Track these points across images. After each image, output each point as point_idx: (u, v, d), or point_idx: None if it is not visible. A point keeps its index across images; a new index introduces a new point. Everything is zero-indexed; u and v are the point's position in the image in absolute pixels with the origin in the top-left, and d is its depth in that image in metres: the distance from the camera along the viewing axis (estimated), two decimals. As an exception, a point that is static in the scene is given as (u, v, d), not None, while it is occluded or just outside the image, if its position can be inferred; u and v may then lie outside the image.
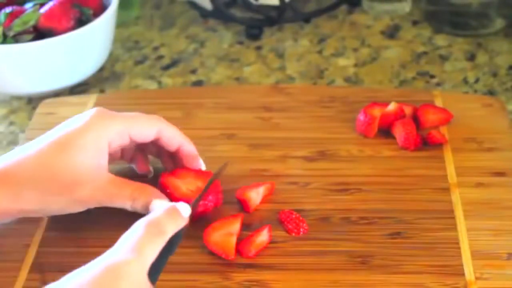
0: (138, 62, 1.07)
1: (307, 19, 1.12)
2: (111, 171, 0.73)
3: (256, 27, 1.10)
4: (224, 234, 0.71)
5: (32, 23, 0.94)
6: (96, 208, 0.73)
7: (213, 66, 1.05)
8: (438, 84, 0.99)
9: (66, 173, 0.70)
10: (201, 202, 0.73)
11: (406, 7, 1.14)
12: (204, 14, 1.14)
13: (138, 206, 0.71)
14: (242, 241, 0.71)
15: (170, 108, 0.90)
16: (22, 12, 0.95)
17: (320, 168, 0.81)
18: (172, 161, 0.78)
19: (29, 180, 0.70)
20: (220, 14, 1.12)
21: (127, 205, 0.71)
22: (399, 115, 0.85)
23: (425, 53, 1.05)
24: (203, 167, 0.77)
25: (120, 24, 1.10)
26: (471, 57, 1.04)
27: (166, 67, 1.05)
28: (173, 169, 0.77)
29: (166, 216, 0.64)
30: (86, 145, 0.71)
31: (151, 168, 0.80)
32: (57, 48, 0.94)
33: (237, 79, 1.02)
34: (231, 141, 0.85)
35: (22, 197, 0.70)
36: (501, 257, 0.70)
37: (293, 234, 0.73)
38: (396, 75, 1.01)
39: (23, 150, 0.71)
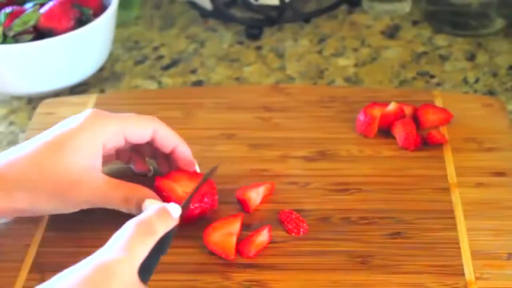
0: (138, 62, 1.07)
1: (307, 19, 1.12)
2: (108, 171, 0.73)
3: (256, 27, 1.10)
4: (224, 234, 0.71)
5: (32, 23, 0.94)
6: (96, 208, 0.73)
7: (213, 66, 1.05)
8: (438, 84, 0.99)
9: (59, 173, 0.70)
10: (197, 204, 0.73)
11: (406, 7, 1.14)
12: (204, 14, 1.14)
13: (131, 207, 0.71)
14: (242, 241, 0.71)
15: (170, 108, 0.90)
16: (22, 12, 0.95)
17: (320, 168, 0.81)
18: (167, 163, 0.78)
19: (21, 180, 0.70)
20: (220, 14, 1.12)
21: (120, 206, 0.71)
22: (399, 115, 0.85)
23: (425, 53, 1.05)
24: (197, 169, 0.77)
25: (120, 24, 1.10)
26: (471, 57, 1.04)
27: (166, 67, 1.05)
28: (168, 171, 0.76)
29: (156, 216, 0.64)
30: (79, 146, 0.71)
31: (150, 167, 0.80)
32: (57, 48, 0.94)
33: (237, 79, 1.02)
34: (231, 141, 0.85)
35: (14, 196, 0.70)
36: (501, 257, 0.70)
37: (293, 234, 0.73)
38: (396, 75, 1.01)
39: (17, 150, 0.71)
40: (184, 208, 0.70)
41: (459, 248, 0.71)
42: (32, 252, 0.73)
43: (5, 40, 0.93)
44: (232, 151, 0.84)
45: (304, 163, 0.82)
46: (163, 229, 0.64)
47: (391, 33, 1.10)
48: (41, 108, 0.92)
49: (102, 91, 1.01)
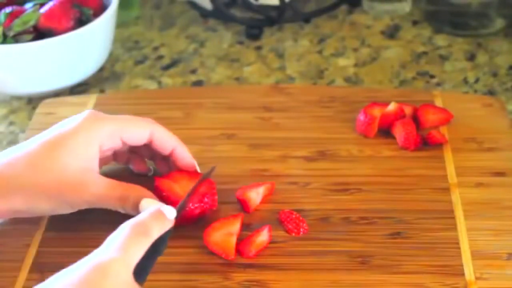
0: (138, 62, 1.07)
1: (307, 19, 1.12)
2: (107, 171, 0.73)
3: (256, 27, 1.10)
4: (224, 234, 0.71)
5: (32, 23, 0.94)
6: (96, 208, 0.73)
7: (213, 66, 1.05)
8: (438, 84, 0.99)
9: (55, 174, 0.70)
10: (197, 205, 0.73)
11: (406, 7, 1.14)
12: (204, 14, 1.14)
13: (128, 207, 0.71)
14: (242, 241, 0.71)
15: (170, 108, 0.90)
16: (22, 12, 0.95)
17: (320, 168, 0.81)
18: (166, 164, 0.78)
19: (18, 181, 0.70)
20: (220, 14, 1.12)
21: (117, 206, 0.71)
22: (399, 115, 0.85)
23: (425, 53, 1.05)
24: (198, 169, 0.77)
25: (120, 24, 1.10)
26: (471, 57, 1.04)
27: (166, 67, 1.05)
28: (168, 172, 0.76)
29: (151, 218, 0.64)
30: (76, 147, 0.71)
31: (150, 167, 0.80)
32: (57, 48, 0.94)
33: (237, 79, 1.02)
34: (231, 141, 0.85)
35: (11, 198, 0.70)
36: (501, 257, 0.70)
37: (293, 234, 0.73)
38: (396, 75, 1.01)
39: (14, 150, 0.71)
40: (182, 208, 0.70)
41: (459, 248, 0.71)
42: (32, 252, 0.73)
43: (5, 40, 0.93)
44: (232, 151, 0.84)
45: (304, 163, 0.82)
46: (158, 230, 0.64)
47: (391, 33, 1.10)
48: (41, 108, 0.92)
49: (102, 91, 1.01)
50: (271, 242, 0.72)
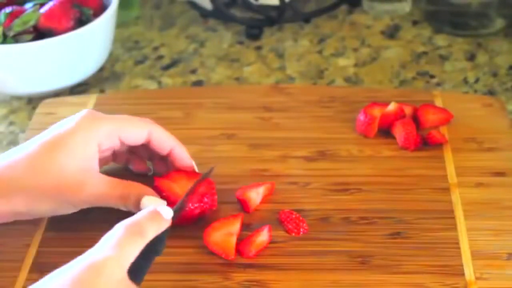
0: (138, 62, 1.07)
1: (307, 19, 1.12)
2: (106, 170, 0.73)
3: (256, 27, 1.10)
4: (224, 234, 0.71)
5: (32, 23, 0.94)
6: (96, 208, 0.73)
7: (213, 66, 1.05)
8: (438, 84, 0.99)
9: (55, 175, 0.70)
10: (196, 205, 0.73)
11: (406, 7, 1.14)
12: (204, 14, 1.14)
13: (129, 205, 0.71)
14: (242, 241, 0.71)
15: (170, 108, 0.90)
16: (22, 12, 0.95)
17: (320, 168, 0.81)
18: (164, 164, 0.78)
19: (19, 183, 0.70)
20: (220, 14, 1.12)
21: (119, 204, 0.71)
22: (399, 115, 0.85)
23: (425, 53, 1.05)
24: (196, 169, 0.77)
25: (120, 24, 1.10)
26: (471, 57, 1.04)
27: (166, 67, 1.05)
28: (166, 172, 0.76)
29: (147, 218, 0.64)
30: (75, 147, 0.71)
31: (150, 167, 0.80)
32: (57, 48, 0.94)
33: (237, 79, 1.02)
34: (231, 141, 0.85)
35: (11, 199, 0.70)
36: (501, 257, 0.70)
37: (293, 234, 0.73)
38: (396, 75, 1.01)
39: (13, 152, 0.72)
40: (180, 208, 0.70)
41: (459, 248, 0.71)
42: (32, 252, 0.73)
43: (5, 40, 0.93)
44: (232, 151, 0.84)
45: (304, 163, 0.82)
46: (154, 230, 0.64)
47: (391, 33, 1.10)
48: (41, 108, 0.92)
49: (102, 91, 1.01)
50: (271, 242, 0.72)
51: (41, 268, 0.71)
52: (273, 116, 0.89)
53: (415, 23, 1.12)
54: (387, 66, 1.03)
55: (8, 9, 0.96)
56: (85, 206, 0.72)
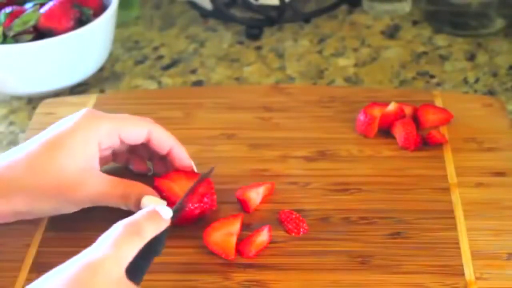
0: (138, 62, 1.07)
1: (307, 19, 1.12)
2: (107, 170, 0.73)
3: (256, 27, 1.10)
4: (224, 234, 0.71)
5: (32, 23, 0.94)
6: (96, 208, 0.73)
7: (213, 66, 1.05)
8: (438, 84, 0.99)
9: (56, 174, 0.70)
10: (196, 205, 0.73)
11: (406, 7, 1.14)
12: (204, 14, 1.14)
13: (130, 204, 0.71)
14: (242, 241, 0.71)
15: (170, 108, 0.90)
16: (22, 12, 0.95)
17: (320, 168, 0.81)
18: (164, 164, 0.78)
19: (20, 183, 0.70)
20: (220, 14, 1.12)
21: (120, 203, 0.71)
22: (399, 115, 0.85)
23: (425, 53, 1.05)
24: (195, 169, 0.77)
25: (120, 24, 1.10)
26: (471, 57, 1.04)
27: (166, 67, 1.05)
28: (165, 172, 0.76)
29: (145, 218, 0.64)
30: (74, 146, 0.71)
31: (149, 167, 0.80)
32: (57, 48, 0.94)
33: (237, 79, 1.02)
34: (231, 141, 0.85)
35: (14, 200, 0.70)
36: (501, 257, 0.70)
37: (293, 234, 0.73)
38: (396, 75, 1.01)
39: (13, 152, 0.72)
40: (179, 208, 0.70)
41: (459, 248, 0.71)
42: (32, 252, 0.73)
43: (5, 40, 0.93)
44: (232, 151, 0.84)
45: (304, 163, 0.82)
46: (152, 230, 0.64)
47: (391, 33, 1.10)
48: (41, 108, 0.92)
49: (102, 91, 1.01)
50: (271, 242, 0.72)
51: (41, 268, 0.71)
52: (273, 116, 0.89)
53: (415, 23, 1.12)
54: (387, 66, 1.03)
55: (8, 9, 0.96)
56: (86, 205, 0.72)
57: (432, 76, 1.01)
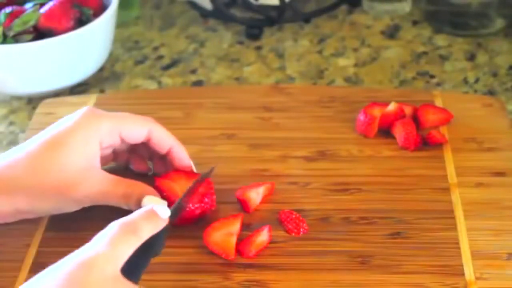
0: (138, 62, 1.07)
1: (307, 19, 1.12)
2: (107, 169, 0.73)
3: (256, 27, 1.10)
4: (224, 234, 0.71)
5: (32, 23, 0.94)
6: (96, 208, 0.73)
7: (213, 66, 1.05)
8: (438, 84, 0.99)
9: (57, 173, 0.70)
10: (197, 205, 0.73)
11: (406, 7, 1.14)
12: (204, 14, 1.14)
13: (131, 203, 0.71)
14: (242, 241, 0.71)
15: (170, 108, 0.90)
16: (22, 12, 0.95)
17: (320, 168, 0.81)
18: (163, 163, 0.78)
19: (21, 182, 0.70)
20: (220, 14, 1.12)
21: (120, 202, 0.71)
22: (399, 115, 0.85)
23: (425, 53, 1.05)
24: (194, 169, 0.77)
25: (120, 24, 1.10)
26: (471, 57, 1.04)
27: (166, 67, 1.05)
28: (164, 172, 0.76)
29: (142, 217, 0.64)
30: (76, 144, 0.71)
31: (150, 167, 0.80)
32: (57, 48, 0.94)
33: (237, 79, 1.02)
34: (231, 141, 0.85)
35: (13, 198, 0.70)
36: (501, 257, 0.70)
37: (293, 234, 0.73)
38: (396, 75, 1.01)
39: (15, 151, 0.72)
40: (178, 208, 0.70)
41: (459, 248, 0.71)
42: (32, 252, 0.73)
43: (5, 40, 0.93)
44: (232, 151, 0.84)
45: (304, 163, 0.82)
46: (149, 230, 0.64)
47: (391, 33, 1.10)
48: (41, 108, 0.92)
49: (102, 91, 1.01)
50: (271, 242, 0.72)
51: (41, 268, 0.70)
52: (273, 116, 0.89)
53: (415, 23, 1.12)
54: (387, 66, 1.03)
55: (8, 9, 0.96)
56: (86, 204, 0.72)
57: (432, 76, 1.01)
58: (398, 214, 0.75)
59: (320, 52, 1.07)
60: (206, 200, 0.74)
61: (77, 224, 0.74)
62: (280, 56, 1.06)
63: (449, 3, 1.08)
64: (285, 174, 0.80)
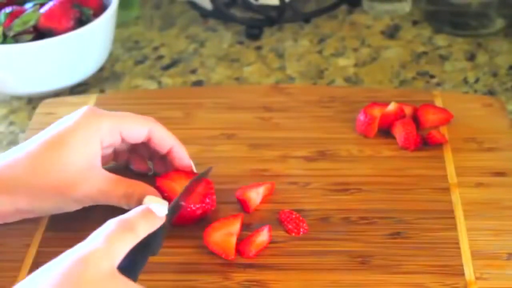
0: (138, 62, 1.07)
1: (307, 19, 1.12)
2: (108, 169, 0.73)
3: (256, 27, 1.10)
4: (224, 234, 0.71)
5: (32, 23, 0.94)
6: (96, 208, 0.73)
7: (213, 66, 1.05)
8: (438, 84, 0.99)
9: (58, 172, 0.70)
10: (198, 205, 0.73)
11: (406, 7, 1.14)
12: (204, 14, 1.14)
13: (132, 203, 0.71)
14: (242, 241, 0.71)
15: (170, 108, 0.90)
16: (22, 12, 0.95)
17: (320, 168, 0.81)
18: (164, 163, 0.78)
19: (22, 182, 0.70)
20: (220, 14, 1.12)
21: (121, 202, 0.71)
22: (399, 115, 0.85)
23: (425, 53, 1.05)
24: (194, 169, 0.77)
25: (120, 24, 1.10)
26: (471, 57, 1.04)
27: (166, 67, 1.05)
28: (164, 172, 0.76)
29: (138, 216, 0.64)
30: (76, 145, 0.71)
31: (150, 167, 0.80)
32: (57, 48, 0.94)
33: (237, 79, 1.02)
34: (231, 141, 0.85)
35: (14, 198, 0.70)
36: (501, 257, 0.70)
37: (293, 234, 0.73)
38: (396, 75, 1.01)
39: (15, 151, 0.72)
40: (175, 207, 0.70)
41: (459, 248, 0.71)
42: (32, 252, 0.73)
43: (5, 40, 0.93)
44: (232, 151, 0.84)
45: (304, 163, 0.82)
46: (146, 228, 0.64)
47: (391, 33, 1.10)
48: (41, 108, 0.92)
49: (102, 91, 1.01)
50: (271, 242, 0.72)
51: (41, 268, 0.71)
52: (273, 116, 0.89)
53: (415, 23, 1.12)
54: (387, 66, 1.03)
55: (8, 9, 0.96)
56: (87, 204, 0.72)
57: (432, 76, 1.01)
58: (398, 214, 0.75)
59: (320, 52, 1.07)
60: (207, 200, 0.74)
61: (77, 224, 0.74)
62: (280, 56, 1.06)
63: (449, 3, 1.08)
64: (285, 174, 0.80)
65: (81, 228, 0.74)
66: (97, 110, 0.73)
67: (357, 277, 0.69)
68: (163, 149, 0.76)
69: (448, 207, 0.76)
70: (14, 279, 0.70)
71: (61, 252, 0.72)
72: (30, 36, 0.94)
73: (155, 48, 1.09)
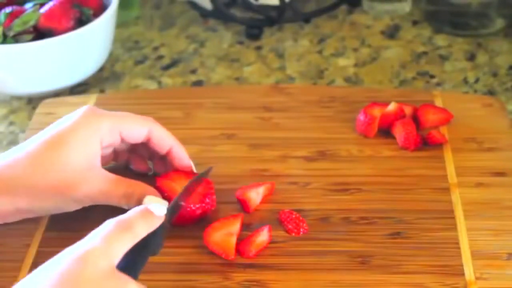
0: (138, 62, 1.07)
1: (307, 19, 1.12)
2: (108, 169, 0.73)
3: (256, 27, 1.10)
4: (224, 234, 0.71)
5: (32, 23, 0.94)
6: (96, 208, 0.73)
7: (213, 66, 1.05)
8: (438, 84, 0.99)
9: (58, 173, 0.70)
10: (198, 205, 0.73)
11: (406, 7, 1.14)
12: (204, 14, 1.14)
13: (132, 203, 0.71)
14: (242, 241, 0.71)
15: (170, 108, 0.90)
16: (22, 12, 0.95)
17: (320, 168, 0.81)
18: (163, 164, 0.78)
19: (22, 181, 0.70)
20: (220, 14, 1.12)
21: (121, 202, 0.71)
22: (399, 115, 0.85)
23: (425, 53, 1.05)
24: (194, 170, 0.77)
25: (120, 24, 1.10)
26: (471, 57, 1.04)
27: (166, 67, 1.05)
28: (164, 172, 0.76)
29: (137, 216, 0.64)
30: (76, 144, 0.71)
31: (150, 167, 0.80)
32: (57, 48, 0.94)
33: (237, 79, 1.02)
34: (231, 141, 0.85)
35: (15, 198, 0.70)
36: (501, 257, 0.70)
37: (293, 234, 0.73)
38: (396, 75, 1.01)
39: (15, 151, 0.72)
40: (175, 207, 0.70)
41: (459, 248, 0.71)
42: (32, 252, 0.73)
43: (5, 40, 0.93)
44: (232, 151, 0.84)
45: (304, 163, 0.82)
46: (144, 228, 0.64)
47: (391, 33, 1.10)
48: (41, 108, 0.92)
49: (102, 91, 1.01)
50: (271, 242, 0.72)
51: (41, 268, 0.71)
52: (273, 116, 0.89)
53: (415, 23, 1.12)
54: (387, 66, 1.03)
55: (8, 9, 0.96)
56: (87, 204, 0.72)
57: (432, 76, 1.01)
58: (398, 214, 0.75)
59: (320, 52, 1.07)
60: (207, 200, 0.74)
61: (77, 224, 0.74)
62: (280, 56, 1.06)
63: (449, 3, 1.08)
64: (285, 174, 0.80)
65: (81, 228, 0.74)
66: (96, 110, 0.73)
67: (357, 277, 0.69)
68: (162, 149, 0.76)
69: (448, 207, 0.76)
70: (14, 279, 0.70)
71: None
72: (30, 36, 0.94)
73: (155, 48, 1.09)
